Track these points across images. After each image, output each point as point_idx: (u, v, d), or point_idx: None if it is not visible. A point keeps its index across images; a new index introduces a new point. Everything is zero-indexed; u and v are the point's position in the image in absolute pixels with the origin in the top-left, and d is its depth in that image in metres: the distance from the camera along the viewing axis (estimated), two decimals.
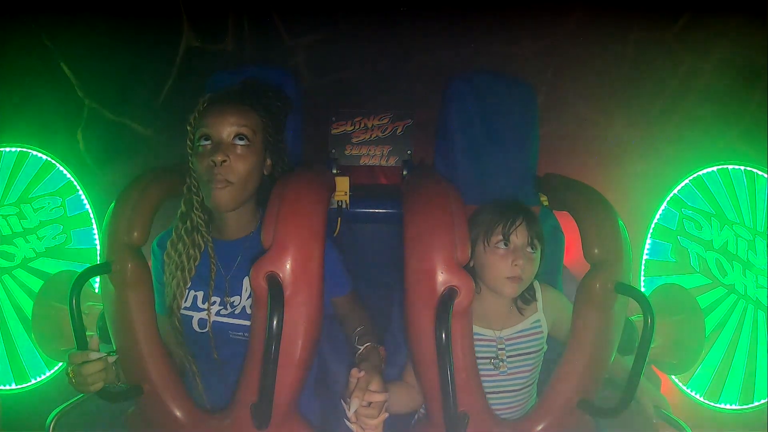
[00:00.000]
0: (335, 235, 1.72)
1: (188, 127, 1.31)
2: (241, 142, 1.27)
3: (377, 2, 2.09)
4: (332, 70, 2.22)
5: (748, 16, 2.05)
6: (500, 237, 1.33)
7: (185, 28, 2.16)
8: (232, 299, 1.33)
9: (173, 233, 1.36)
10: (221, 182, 1.24)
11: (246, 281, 1.34)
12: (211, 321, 1.32)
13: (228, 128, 1.27)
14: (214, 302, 1.33)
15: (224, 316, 1.33)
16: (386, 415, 1.13)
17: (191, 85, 2.16)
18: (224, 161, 1.24)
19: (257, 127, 1.32)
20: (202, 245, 1.36)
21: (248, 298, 1.32)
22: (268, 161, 1.37)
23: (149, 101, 2.20)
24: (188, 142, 1.32)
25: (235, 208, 1.30)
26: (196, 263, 1.35)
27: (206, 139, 1.27)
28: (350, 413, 1.09)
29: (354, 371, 1.14)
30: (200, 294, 1.35)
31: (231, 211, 1.32)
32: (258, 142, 1.31)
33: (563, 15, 2.14)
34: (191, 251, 1.34)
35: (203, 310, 1.33)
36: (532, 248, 1.34)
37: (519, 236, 1.33)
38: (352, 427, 1.10)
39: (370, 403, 1.11)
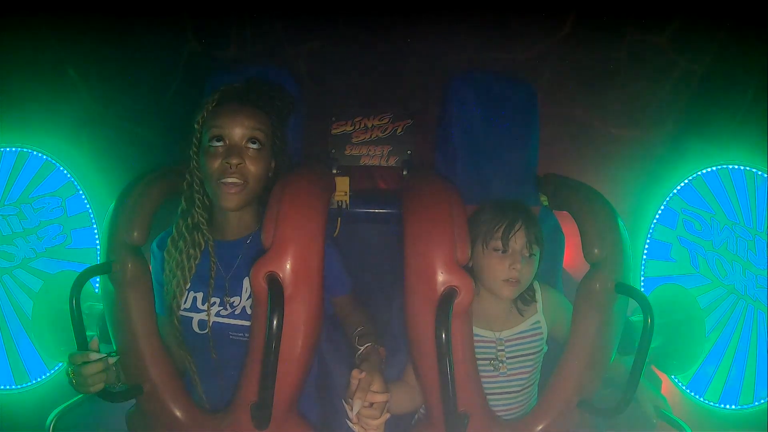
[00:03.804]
0: (335, 235, 1.72)
1: (195, 125, 1.31)
2: (254, 146, 1.28)
3: (377, 7, 2.10)
4: (333, 74, 2.22)
5: (741, 17, 2.05)
6: (498, 241, 1.33)
7: (189, 34, 2.17)
8: (232, 299, 1.33)
9: (174, 230, 1.36)
10: (236, 183, 1.26)
11: (246, 281, 1.34)
12: (211, 322, 1.32)
13: (242, 131, 1.27)
14: (214, 303, 1.33)
15: (224, 316, 1.33)
16: (388, 415, 1.13)
17: (194, 90, 2.16)
18: (240, 164, 1.25)
19: (268, 131, 1.33)
20: (203, 244, 1.36)
21: (248, 298, 1.32)
22: (273, 163, 1.37)
23: (152, 105, 2.20)
24: (194, 140, 1.32)
25: (242, 207, 1.32)
26: (196, 262, 1.35)
27: (218, 140, 1.27)
28: (352, 414, 1.09)
29: (355, 372, 1.14)
30: (200, 295, 1.34)
31: (236, 211, 1.33)
32: (268, 145, 1.33)
33: (558, 19, 2.15)
34: (191, 250, 1.34)
35: (203, 311, 1.33)
36: (531, 251, 1.34)
37: (517, 240, 1.33)
38: (354, 427, 1.10)
39: (372, 404, 1.11)
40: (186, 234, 1.34)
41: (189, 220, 1.35)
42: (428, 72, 2.20)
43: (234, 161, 1.25)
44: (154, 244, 1.44)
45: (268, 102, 1.37)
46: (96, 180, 2.13)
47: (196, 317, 1.33)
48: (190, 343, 1.35)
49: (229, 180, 1.25)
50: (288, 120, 1.51)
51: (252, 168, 1.28)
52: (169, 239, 1.35)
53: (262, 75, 1.57)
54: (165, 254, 1.35)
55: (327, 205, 1.32)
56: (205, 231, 1.36)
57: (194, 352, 1.35)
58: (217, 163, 1.26)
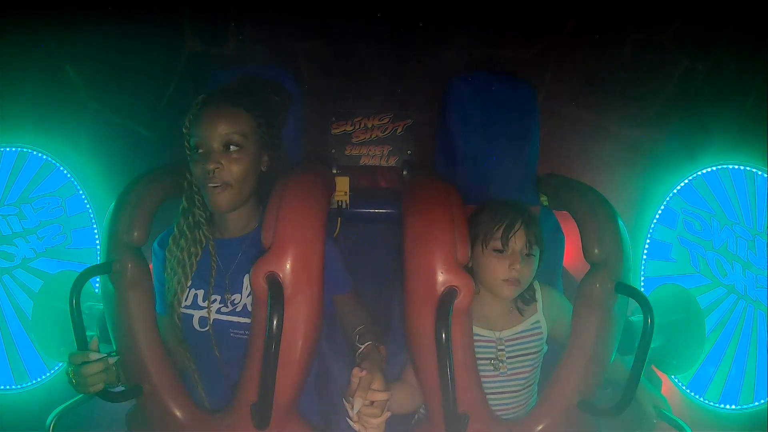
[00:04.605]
0: (335, 235, 1.72)
1: (183, 130, 1.32)
2: (234, 148, 1.28)
3: (378, 7, 2.10)
4: (333, 73, 2.22)
5: (744, 17, 2.05)
6: (498, 241, 1.33)
7: (187, 32, 2.17)
8: (232, 297, 1.34)
9: (175, 228, 1.36)
10: (218, 186, 1.26)
11: (246, 279, 1.34)
12: (212, 319, 1.32)
13: (218, 137, 1.27)
14: (215, 300, 1.34)
15: (225, 314, 1.33)
16: (389, 414, 1.13)
17: (194, 88, 2.16)
18: (217, 168, 1.25)
19: (249, 130, 1.32)
20: (203, 242, 1.36)
21: (249, 295, 1.33)
22: (265, 157, 1.37)
23: (152, 104, 2.20)
24: (186, 143, 1.33)
25: (234, 208, 1.32)
26: (197, 260, 1.35)
27: (198, 147, 1.28)
28: (353, 413, 1.09)
29: (356, 370, 1.14)
30: (200, 293, 1.35)
31: (231, 212, 1.33)
32: (251, 143, 1.32)
33: (561, 18, 2.15)
34: (192, 248, 1.35)
35: (204, 308, 1.33)
36: (530, 251, 1.34)
37: (517, 240, 1.33)
38: (355, 426, 1.10)
39: (372, 403, 1.11)
40: (187, 232, 1.35)
41: (190, 218, 1.36)
42: (429, 71, 2.20)
43: (210, 167, 1.25)
44: (156, 243, 1.44)
45: (251, 98, 1.36)
46: (96, 180, 2.13)
47: (197, 314, 1.33)
48: (190, 341, 1.35)
49: (212, 184, 1.26)
50: (285, 113, 1.50)
51: (234, 168, 1.27)
52: (170, 238, 1.36)
53: (260, 74, 1.57)
54: (166, 252, 1.36)
55: (327, 205, 1.32)
56: (205, 230, 1.36)
57: (195, 350, 1.35)
58: (199, 170, 1.28)
